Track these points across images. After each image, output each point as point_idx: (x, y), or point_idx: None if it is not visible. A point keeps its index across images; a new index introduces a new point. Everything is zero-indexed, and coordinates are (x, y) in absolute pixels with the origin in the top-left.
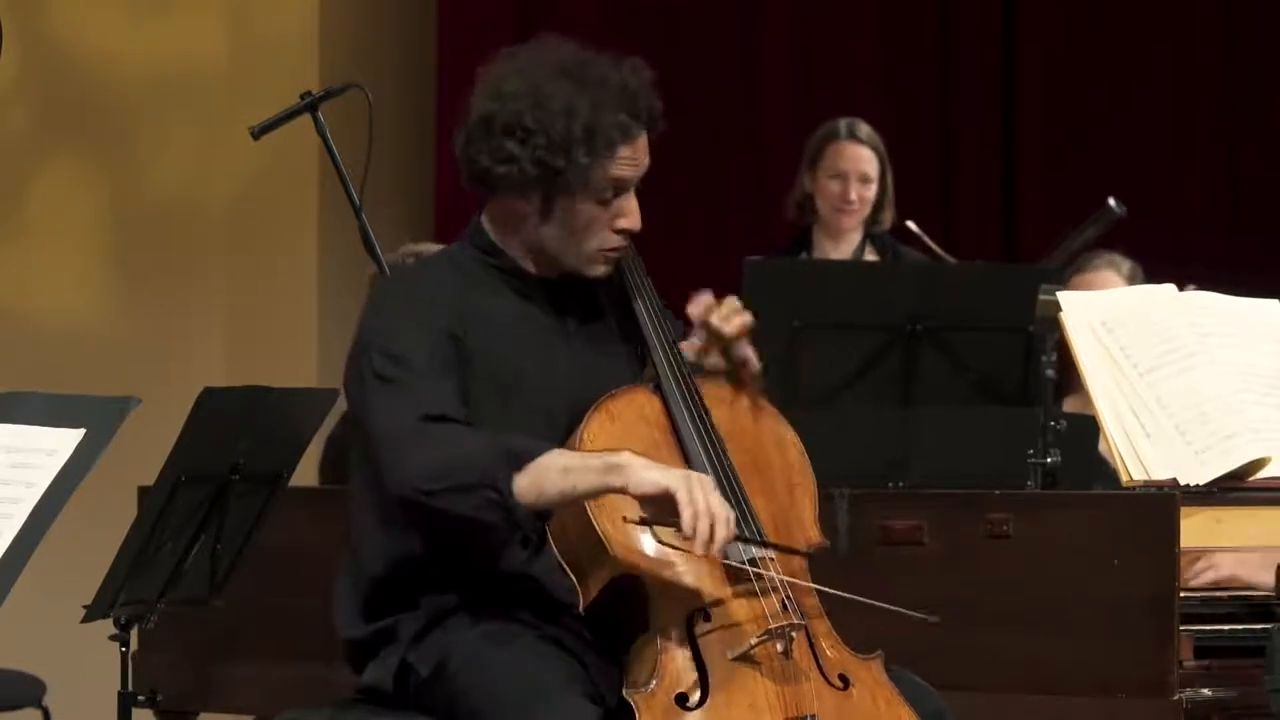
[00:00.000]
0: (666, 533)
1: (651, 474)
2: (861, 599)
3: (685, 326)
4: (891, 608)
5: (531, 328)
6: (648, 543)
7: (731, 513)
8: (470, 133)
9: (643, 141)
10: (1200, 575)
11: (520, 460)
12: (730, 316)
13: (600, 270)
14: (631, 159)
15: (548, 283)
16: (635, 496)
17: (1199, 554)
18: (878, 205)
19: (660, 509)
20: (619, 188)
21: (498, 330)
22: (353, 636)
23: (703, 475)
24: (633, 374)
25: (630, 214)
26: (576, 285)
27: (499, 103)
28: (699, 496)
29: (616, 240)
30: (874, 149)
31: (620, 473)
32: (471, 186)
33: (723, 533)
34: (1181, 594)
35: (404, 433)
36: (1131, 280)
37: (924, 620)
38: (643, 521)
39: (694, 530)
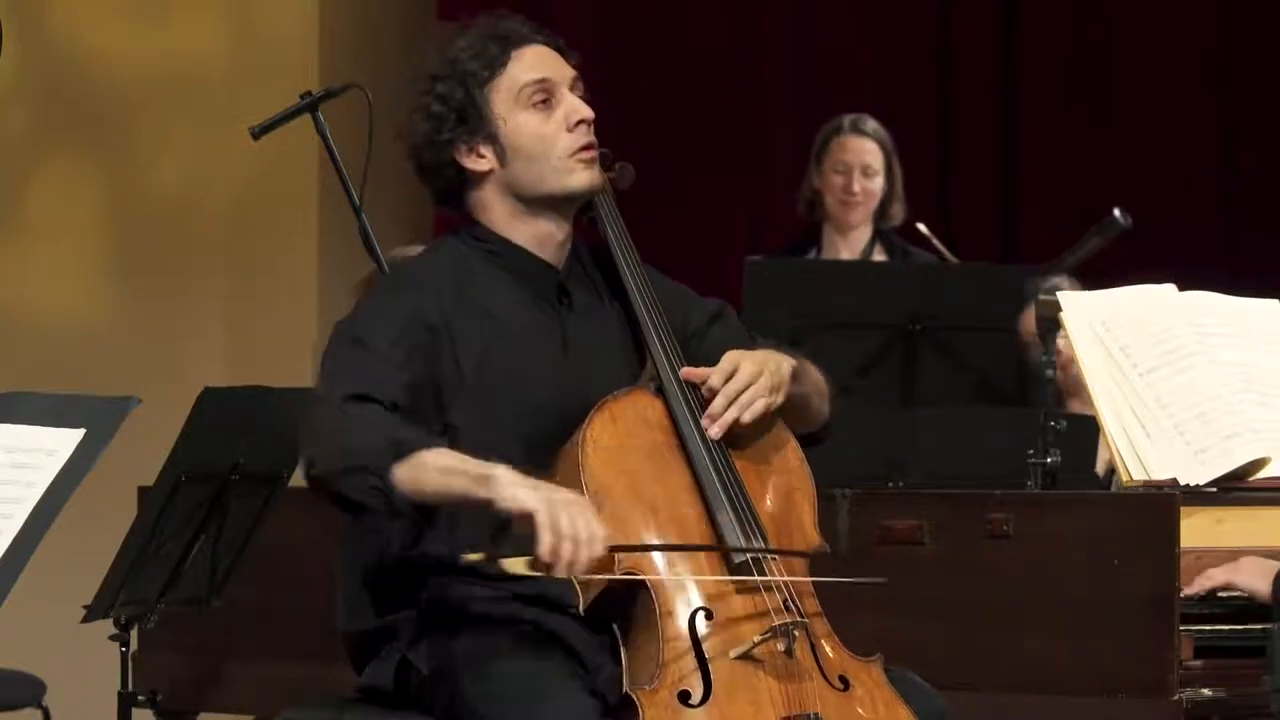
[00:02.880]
0: (518, 563)
1: (518, 492)
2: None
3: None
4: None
5: (528, 318)
6: (651, 543)
7: (601, 532)
8: (401, 134)
9: (544, 51)
10: (1194, 584)
11: (403, 450)
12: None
13: (584, 177)
14: (538, 62)
15: (551, 271)
16: (500, 511)
17: (1195, 564)
18: (885, 200)
19: (529, 524)
20: (545, 89)
21: (493, 321)
22: (352, 630)
23: (575, 497)
24: (628, 368)
25: (576, 108)
26: (577, 276)
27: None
28: (562, 521)
29: (580, 138)
30: (878, 142)
31: (488, 485)
32: (439, 186)
33: (584, 555)
34: (1181, 594)
35: (321, 414)
36: None
37: (873, 583)
38: (494, 556)
39: (551, 555)
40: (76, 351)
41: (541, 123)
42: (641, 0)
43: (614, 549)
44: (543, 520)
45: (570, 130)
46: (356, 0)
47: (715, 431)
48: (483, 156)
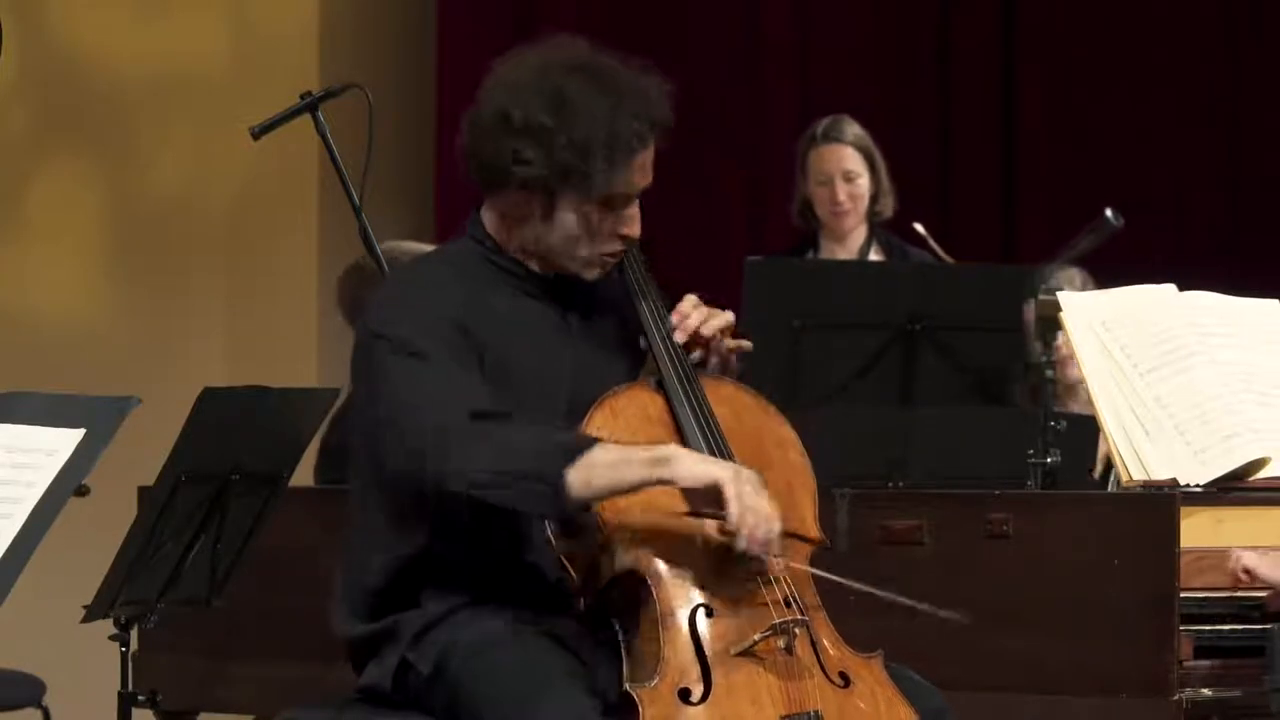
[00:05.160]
0: (712, 526)
1: (700, 466)
2: (890, 595)
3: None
4: (920, 605)
5: (533, 324)
6: (652, 541)
7: (774, 511)
8: (481, 126)
9: (648, 157)
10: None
11: (572, 454)
12: (710, 319)
13: (596, 274)
14: (643, 167)
15: (548, 279)
16: (681, 489)
17: (1194, 563)
18: (873, 197)
19: (703, 502)
20: (623, 202)
21: (499, 326)
22: (353, 636)
23: (751, 472)
24: (634, 371)
25: (633, 221)
26: (577, 281)
27: (516, 99)
28: (747, 491)
29: (616, 246)
30: (854, 144)
31: (667, 465)
32: (475, 179)
33: (764, 530)
34: (1182, 594)
35: (457, 427)
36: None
37: (954, 620)
38: (690, 514)
39: (739, 524)
40: (76, 351)
41: (596, 219)
42: (642, 0)
43: (786, 533)
44: (731, 492)
45: (616, 237)
46: (356, 0)
47: (680, 336)
48: (532, 203)
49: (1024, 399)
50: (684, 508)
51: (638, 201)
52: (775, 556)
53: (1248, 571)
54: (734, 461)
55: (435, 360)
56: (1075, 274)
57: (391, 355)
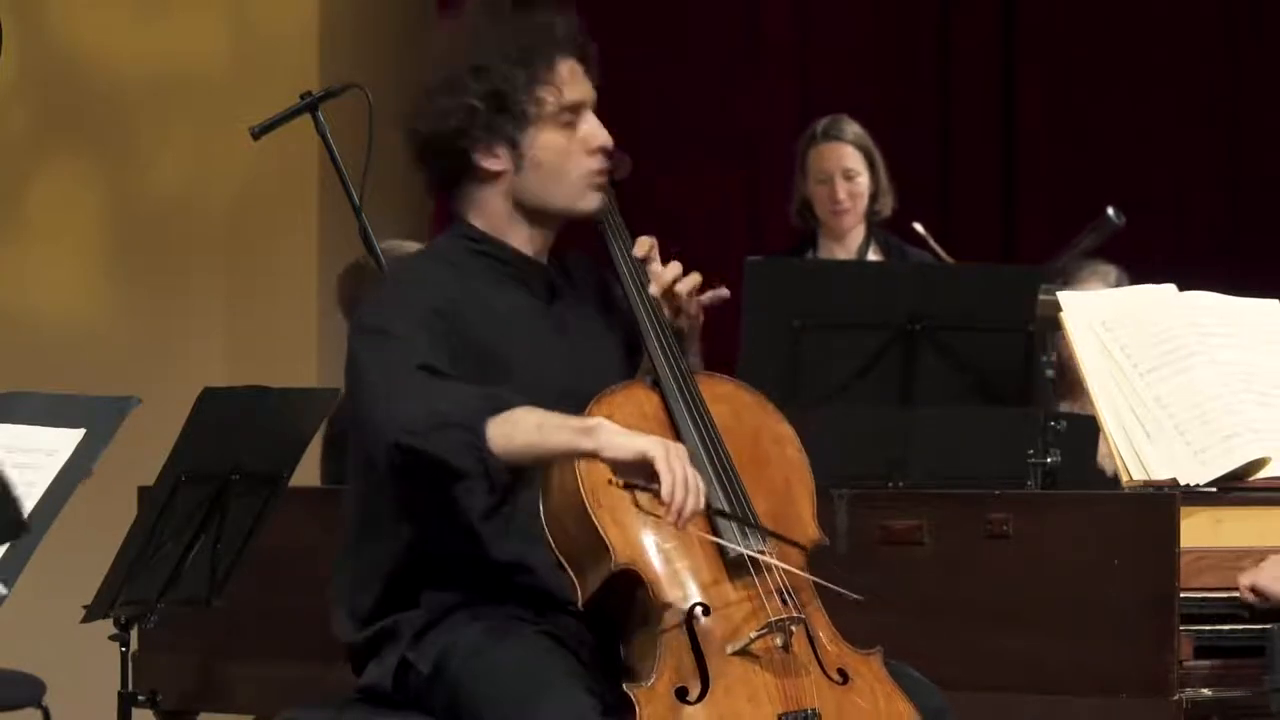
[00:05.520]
0: (644, 499)
1: (626, 439)
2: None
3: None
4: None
5: (523, 314)
6: (647, 540)
7: (702, 484)
8: (416, 120)
9: (577, 68)
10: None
11: (498, 406)
12: (682, 277)
13: (593, 200)
14: (574, 83)
15: (540, 268)
16: (607, 461)
17: (1194, 563)
18: (873, 195)
19: (632, 476)
20: (575, 109)
21: (489, 317)
22: (352, 640)
23: (678, 445)
24: (624, 362)
25: (598, 132)
26: (569, 272)
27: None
28: (676, 465)
29: (596, 163)
30: (854, 143)
31: (592, 435)
32: (442, 176)
33: (693, 503)
34: (1182, 594)
35: (397, 379)
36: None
37: (853, 598)
38: (625, 486)
39: (671, 497)
40: (76, 351)
41: (566, 142)
42: (644, 2)
43: (710, 509)
44: (662, 466)
45: (589, 154)
46: (356, 0)
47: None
48: (497, 158)
49: (1051, 397)
50: (616, 481)
51: (592, 113)
52: (763, 553)
53: (1254, 590)
54: (730, 461)
55: (401, 337)
56: (1111, 270)
57: (364, 343)
